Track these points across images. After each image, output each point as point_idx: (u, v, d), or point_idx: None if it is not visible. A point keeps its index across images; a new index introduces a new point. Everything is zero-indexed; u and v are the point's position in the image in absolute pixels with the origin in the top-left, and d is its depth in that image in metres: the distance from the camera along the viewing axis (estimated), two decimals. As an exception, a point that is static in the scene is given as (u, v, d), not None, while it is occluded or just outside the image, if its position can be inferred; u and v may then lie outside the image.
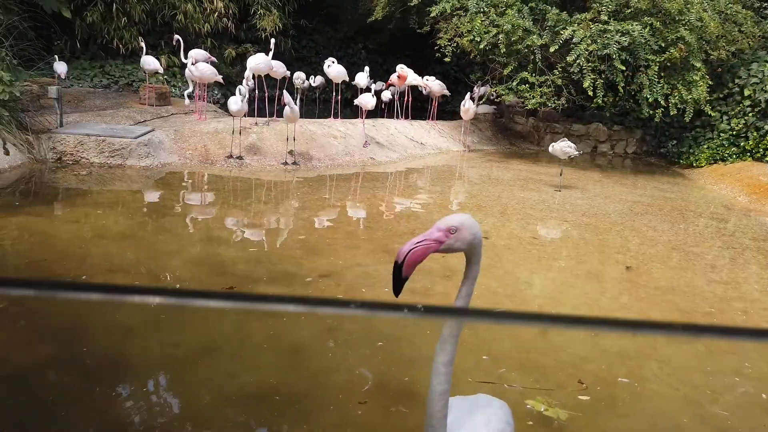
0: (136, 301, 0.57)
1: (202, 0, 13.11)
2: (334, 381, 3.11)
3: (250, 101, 9.11)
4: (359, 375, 3.19)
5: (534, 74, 10.65)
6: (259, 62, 9.39)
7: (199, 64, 9.67)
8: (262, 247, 5.31)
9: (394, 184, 8.69)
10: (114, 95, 11.32)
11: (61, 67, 9.89)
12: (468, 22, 10.74)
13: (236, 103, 8.20)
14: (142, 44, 11.04)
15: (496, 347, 3.66)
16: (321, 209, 6.67)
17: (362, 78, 10.95)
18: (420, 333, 3.74)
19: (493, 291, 4.51)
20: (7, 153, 6.85)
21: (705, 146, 11.06)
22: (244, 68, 9.46)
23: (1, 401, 2.79)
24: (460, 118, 11.59)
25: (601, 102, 10.30)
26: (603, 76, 10.19)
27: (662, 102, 10.20)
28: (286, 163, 8.58)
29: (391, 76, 11.26)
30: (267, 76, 10.10)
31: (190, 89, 10.41)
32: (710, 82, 10.37)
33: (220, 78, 10.06)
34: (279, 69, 10.39)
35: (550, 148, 8.76)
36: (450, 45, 11.17)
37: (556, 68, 10.55)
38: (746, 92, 10.58)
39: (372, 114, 10.55)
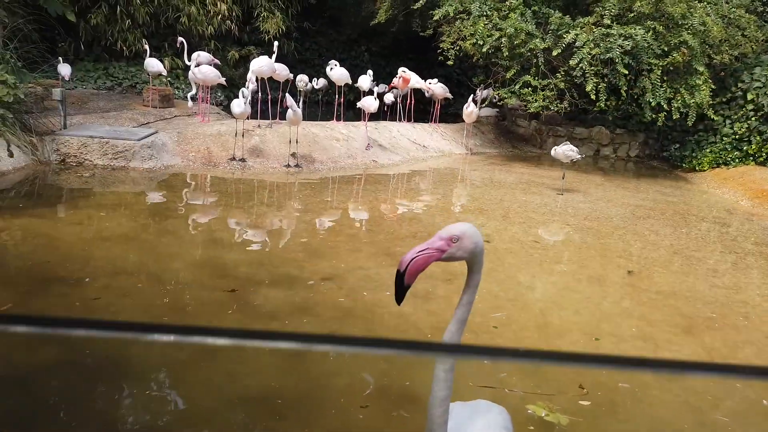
0: (140, 338, 0.59)
1: (205, 2, 13.16)
2: (336, 385, 3.12)
3: (253, 104, 9.13)
4: (360, 379, 3.19)
5: (537, 78, 10.66)
6: (262, 65, 9.42)
7: (202, 67, 9.70)
8: (264, 249, 5.33)
9: (397, 187, 8.70)
10: (117, 97, 11.37)
11: (65, 69, 9.93)
12: (471, 25, 10.75)
13: (239, 105, 8.23)
14: (146, 46, 11.08)
15: (497, 351, 3.66)
16: (323, 212, 6.69)
17: (365, 81, 10.97)
18: (421, 337, 3.75)
19: (494, 295, 4.52)
20: (11, 155, 6.88)
21: (708, 150, 11.05)
22: (248, 70, 9.48)
23: (3, 402, 2.81)
24: (463, 121, 11.60)
25: (603, 106, 10.30)
26: (606, 80, 10.20)
27: (665, 106, 10.20)
28: (288, 166, 8.60)
29: (394, 79, 11.29)
30: (270, 78, 10.13)
31: (194, 91, 10.45)
32: (713, 86, 10.37)
33: (223, 80, 10.09)
34: (282, 72, 10.42)
35: (553, 152, 8.77)
36: (453, 48, 11.19)
37: (559, 72, 10.56)
38: (749, 96, 10.57)
39: (374, 117, 10.57)
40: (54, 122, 8.08)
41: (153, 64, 10.68)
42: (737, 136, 10.62)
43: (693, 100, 10.08)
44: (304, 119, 8.79)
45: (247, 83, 9.33)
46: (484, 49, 10.53)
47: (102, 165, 7.71)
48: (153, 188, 7.28)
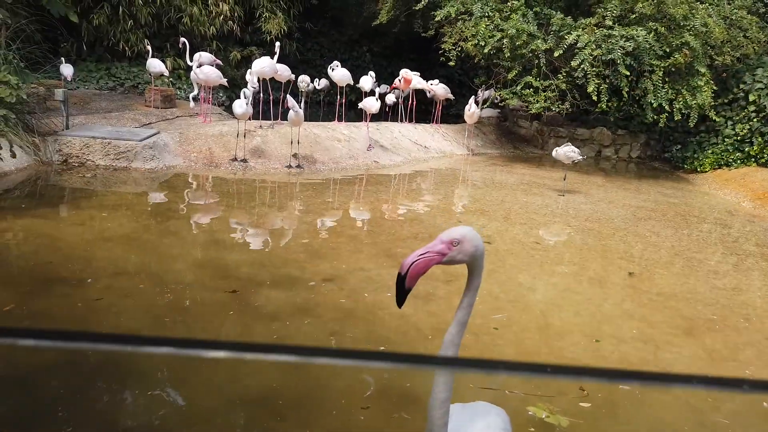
0: (141, 351, 0.59)
1: (207, 3, 13.18)
2: (337, 386, 3.12)
3: (255, 104, 9.15)
4: (361, 380, 3.20)
5: (538, 78, 10.67)
6: (264, 66, 9.43)
7: (204, 67, 9.71)
8: (265, 250, 5.34)
9: (398, 188, 8.71)
10: (119, 97, 11.39)
11: (67, 70, 9.95)
12: (473, 26, 10.76)
13: (241, 106, 8.24)
14: (148, 47, 11.10)
15: (497, 353, 3.67)
16: (324, 213, 6.70)
17: (367, 81, 10.98)
18: (422, 338, 3.76)
19: (495, 296, 4.52)
20: (13, 155, 6.90)
21: (709, 151, 11.05)
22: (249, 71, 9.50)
23: (4, 402, 2.82)
24: (464, 121, 11.61)
25: (605, 107, 10.30)
26: (607, 81, 10.20)
27: (666, 107, 10.20)
28: (290, 167, 8.61)
29: (396, 80, 11.30)
30: (272, 79, 10.14)
31: (195, 92, 10.47)
32: (715, 88, 10.36)
33: (224, 81, 10.11)
34: (284, 72, 10.43)
35: (554, 153, 8.77)
36: (454, 49, 11.20)
37: (561, 73, 10.56)
38: (751, 97, 10.57)
39: (376, 117, 10.58)
40: (56, 123, 8.10)
41: (155, 65, 10.70)
42: (739, 138, 10.62)
43: (695, 102, 10.08)
44: (305, 120, 8.81)
45: (248, 83, 9.36)
46: (486, 50, 10.53)
47: (104, 165, 7.73)
48: (155, 189, 7.29)
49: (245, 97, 8.32)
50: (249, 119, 8.76)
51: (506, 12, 10.77)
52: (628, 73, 9.96)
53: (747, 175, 9.93)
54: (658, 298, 4.77)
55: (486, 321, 4.03)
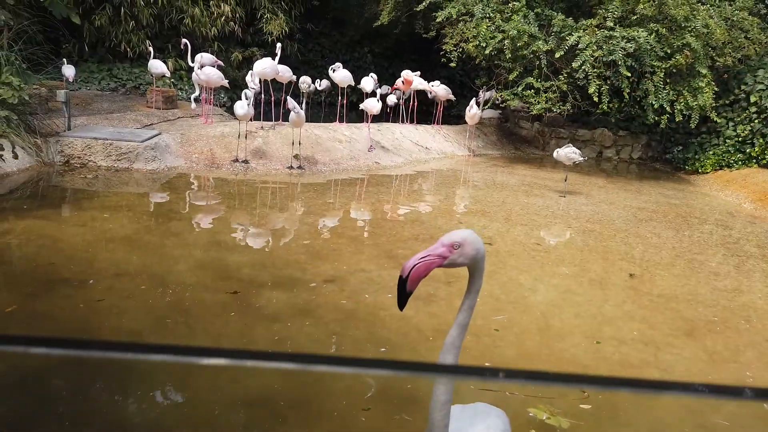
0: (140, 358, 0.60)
1: (209, 4, 13.21)
2: (338, 387, 3.13)
3: (256, 105, 9.16)
4: (362, 382, 3.21)
5: (539, 80, 10.67)
6: (265, 67, 9.44)
7: (206, 68, 9.72)
8: (266, 251, 5.35)
9: (399, 189, 8.72)
10: (121, 98, 11.41)
11: (69, 71, 9.97)
12: (474, 27, 10.77)
13: (242, 107, 8.25)
14: (150, 48, 11.12)
15: (498, 354, 3.68)
16: (326, 214, 6.71)
17: (368, 82, 11.00)
18: (423, 340, 3.77)
19: (496, 297, 4.53)
20: (15, 156, 6.92)
21: (711, 152, 11.04)
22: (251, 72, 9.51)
23: (6, 403, 2.83)
24: (466, 122, 11.61)
25: (606, 108, 10.30)
26: (608, 82, 10.20)
27: (668, 108, 10.20)
28: (291, 168, 8.62)
29: (397, 81, 11.31)
30: (273, 80, 10.16)
31: (197, 93, 10.48)
32: (716, 89, 10.36)
33: (225, 82, 10.12)
34: (285, 73, 10.44)
35: (555, 154, 8.78)
36: (456, 50, 11.21)
37: (562, 74, 10.56)
38: (752, 99, 10.56)
39: (377, 118, 10.59)
40: (58, 123, 8.12)
41: (157, 66, 10.72)
42: (740, 139, 10.61)
43: (696, 103, 10.08)
44: (307, 121, 8.82)
45: (249, 84, 9.37)
46: (487, 51, 10.54)
47: (106, 166, 7.75)
48: (156, 190, 7.31)
49: (246, 98, 8.33)
50: (250, 120, 8.77)
51: (507, 13, 10.78)
52: (629, 75, 9.96)
53: (748, 176, 9.93)
54: (659, 300, 4.78)
55: (487, 322, 4.03)
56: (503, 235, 6.32)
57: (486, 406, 2.02)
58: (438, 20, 11.37)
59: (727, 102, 11.00)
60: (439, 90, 11.96)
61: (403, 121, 11.90)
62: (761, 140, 10.30)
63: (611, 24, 10.19)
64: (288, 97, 8.50)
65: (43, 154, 7.53)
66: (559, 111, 10.85)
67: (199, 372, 3.19)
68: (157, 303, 3.94)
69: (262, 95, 9.99)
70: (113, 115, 9.58)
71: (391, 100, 12.07)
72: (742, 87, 10.86)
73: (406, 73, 11.07)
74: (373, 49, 17.34)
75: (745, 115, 10.69)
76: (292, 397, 3.02)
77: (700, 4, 10.53)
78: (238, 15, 13.49)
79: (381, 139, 10.47)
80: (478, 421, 1.90)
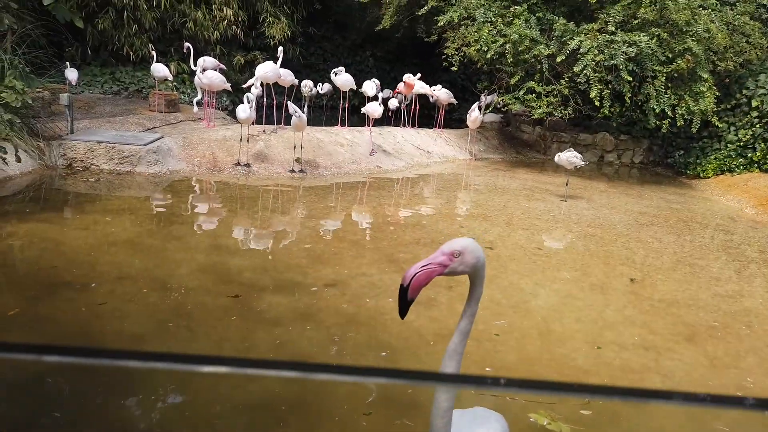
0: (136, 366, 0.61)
1: (211, 8, 13.26)
2: (339, 392, 3.14)
3: (258, 109, 9.19)
4: (364, 386, 3.22)
5: (541, 84, 10.69)
6: (267, 71, 9.47)
7: (208, 72, 9.76)
8: (268, 255, 5.36)
9: (400, 193, 8.73)
10: (124, 101, 11.45)
11: (72, 74, 10.01)
12: (475, 31, 10.79)
13: (244, 110, 8.27)
14: (153, 51, 11.16)
15: (499, 359, 3.68)
16: (327, 218, 6.72)
17: (370, 87, 11.02)
18: (424, 344, 3.77)
19: (497, 302, 4.54)
20: (18, 160, 6.94)
21: (712, 157, 11.05)
22: (253, 75, 9.54)
23: (8, 405, 2.84)
24: (467, 126, 11.63)
25: (607, 112, 10.32)
26: (610, 87, 10.22)
27: (669, 112, 10.22)
28: (293, 171, 8.64)
29: (399, 85, 11.34)
30: (275, 83, 10.19)
31: (199, 96, 10.51)
32: (717, 93, 10.38)
33: (228, 86, 10.15)
34: (287, 77, 10.47)
35: (556, 158, 8.79)
36: (457, 54, 11.24)
37: (563, 78, 10.59)
38: (754, 103, 10.57)
39: (379, 122, 10.62)
40: (61, 127, 8.15)
41: (159, 69, 10.76)
42: (742, 143, 10.62)
43: (697, 107, 10.09)
44: (308, 124, 8.84)
45: (252, 88, 9.40)
46: (489, 55, 10.57)
47: (108, 170, 7.77)
48: (158, 193, 7.33)
49: (249, 102, 8.36)
50: (252, 124, 8.79)
51: (509, 17, 10.81)
52: (631, 79, 9.97)
53: (750, 181, 9.93)
54: (660, 305, 4.78)
55: (488, 327, 4.04)
56: (504, 239, 6.33)
57: (485, 410, 2.03)
58: (440, 24, 11.40)
59: (728, 106, 11.01)
60: (440, 94, 11.98)
61: (404, 125, 11.93)
62: (763, 145, 10.30)
63: (613, 28, 10.21)
64: (289, 102, 8.53)
65: (45, 158, 7.56)
66: (560, 115, 10.87)
67: (200, 376, 3.20)
68: (158, 307, 3.95)
69: (264, 99, 10.02)
70: (116, 119, 9.61)
71: (393, 103, 12.10)
72: (744, 91, 10.88)
73: (408, 77, 11.09)
74: (375, 52, 17.38)
75: (746, 119, 10.70)
76: (293, 402, 3.03)
77: (701, 9, 10.55)
78: (240, 19, 13.55)
79: (382, 142, 10.49)
80: (477, 426, 1.91)
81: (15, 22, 8.33)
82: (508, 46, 10.40)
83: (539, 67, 10.63)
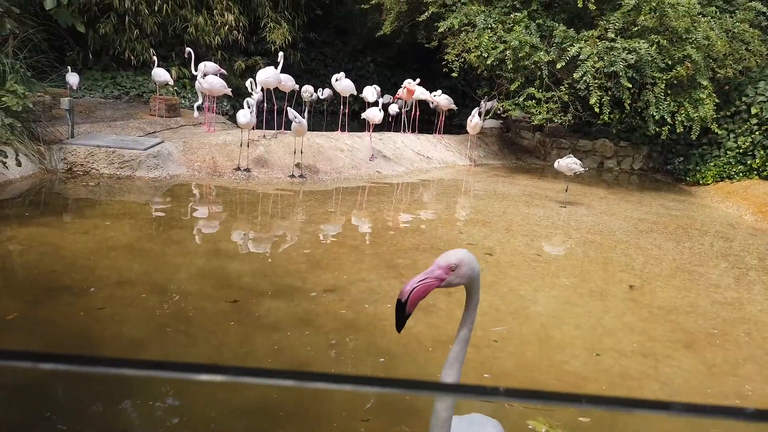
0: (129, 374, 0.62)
1: (213, 13, 13.29)
2: (337, 397, 3.14)
3: (259, 114, 9.21)
4: (362, 392, 3.21)
5: (541, 90, 10.72)
6: (267, 76, 9.49)
7: (209, 77, 9.78)
8: (267, 260, 5.36)
9: (400, 198, 8.74)
10: (124, 106, 11.47)
11: (73, 79, 10.04)
12: (476, 37, 10.83)
13: (245, 115, 8.29)
14: (154, 56, 11.18)
15: (498, 366, 3.68)
16: (326, 223, 6.73)
17: (370, 92, 11.05)
18: (422, 350, 3.77)
19: (496, 308, 4.54)
20: (19, 164, 6.96)
21: (712, 164, 11.06)
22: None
23: (7, 409, 2.84)
24: (467, 132, 11.64)
25: (607, 119, 10.34)
26: (609, 93, 10.24)
27: (669, 119, 10.23)
28: (293, 176, 8.65)
29: (399, 90, 11.36)
30: (276, 88, 10.21)
31: (200, 101, 10.54)
32: (717, 100, 10.40)
33: (228, 91, 10.17)
34: (288, 82, 10.50)
35: (556, 165, 8.80)
36: (457, 60, 11.26)
37: (563, 84, 10.61)
38: (753, 110, 10.59)
39: (379, 127, 10.63)
40: (61, 131, 8.16)
41: (160, 74, 10.78)
42: (741, 150, 10.63)
43: (697, 114, 10.11)
44: (309, 130, 8.86)
45: (252, 93, 9.42)
46: (489, 62, 10.59)
47: (108, 174, 7.78)
48: (158, 198, 7.34)
49: (249, 107, 8.38)
50: (252, 129, 8.81)
51: (509, 24, 10.84)
52: (630, 86, 10.00)
53: (749, 188, 9.94)
54: (659, 312, 4.78)
55: (486, 333, 4.04)
56: (504, 245, 6.33)
57: (482, 417, 2.03)
58: (440, 30, 11.43)
59: (728, 113, 11.03)
60: (440, 100, 12.01)
61: (404, 131, 11.95)
62: (762, 152, 10.32)
63: (612, 35, 10.24)
64: (288, 108, 8.55)
65: (46, 162, 7.57)
66: (560, 121, 10.89)
67: (200, 381, 3.19)
68: (157, 311, 3.95)
69: (265, 104, 10.04)
70: (116, 123, 9.63)
71: (393, 109, 12.12)
72: (743, 99, 10.90)
73: (408, 83, 11.12)
74: (376, 58, 17.42)
75: (746, 126, 10.72)
76: (291, 407, 3.03)
77: (701, 16, 10.57)
78: (241, 24, 13.58)
79: (383, 148, 10.51)
80: (475, 432, 1.91)
81: (17, 27, 8.35)
82: (508, 52, 10.43)
83: (539, 73, 10.66)
